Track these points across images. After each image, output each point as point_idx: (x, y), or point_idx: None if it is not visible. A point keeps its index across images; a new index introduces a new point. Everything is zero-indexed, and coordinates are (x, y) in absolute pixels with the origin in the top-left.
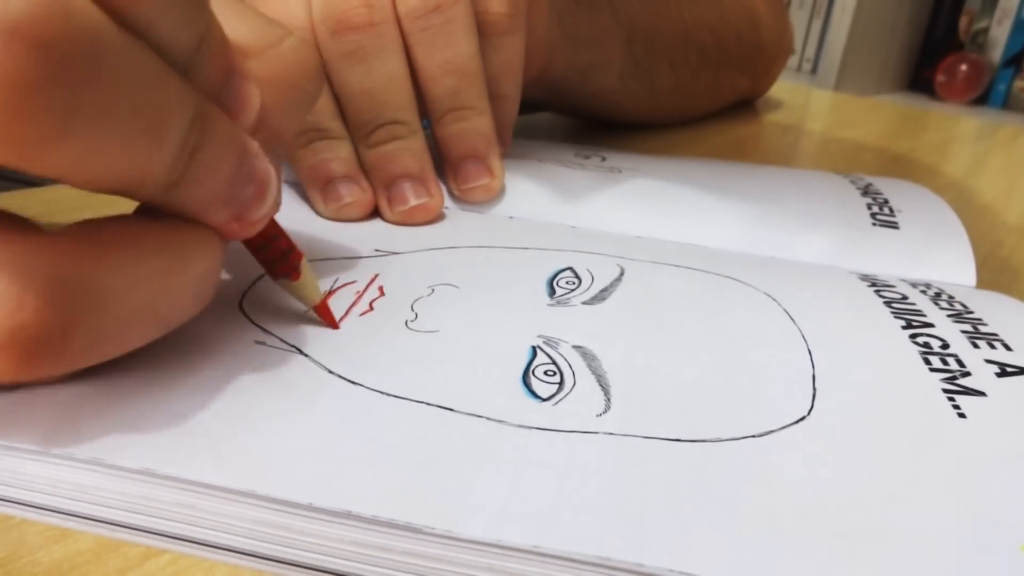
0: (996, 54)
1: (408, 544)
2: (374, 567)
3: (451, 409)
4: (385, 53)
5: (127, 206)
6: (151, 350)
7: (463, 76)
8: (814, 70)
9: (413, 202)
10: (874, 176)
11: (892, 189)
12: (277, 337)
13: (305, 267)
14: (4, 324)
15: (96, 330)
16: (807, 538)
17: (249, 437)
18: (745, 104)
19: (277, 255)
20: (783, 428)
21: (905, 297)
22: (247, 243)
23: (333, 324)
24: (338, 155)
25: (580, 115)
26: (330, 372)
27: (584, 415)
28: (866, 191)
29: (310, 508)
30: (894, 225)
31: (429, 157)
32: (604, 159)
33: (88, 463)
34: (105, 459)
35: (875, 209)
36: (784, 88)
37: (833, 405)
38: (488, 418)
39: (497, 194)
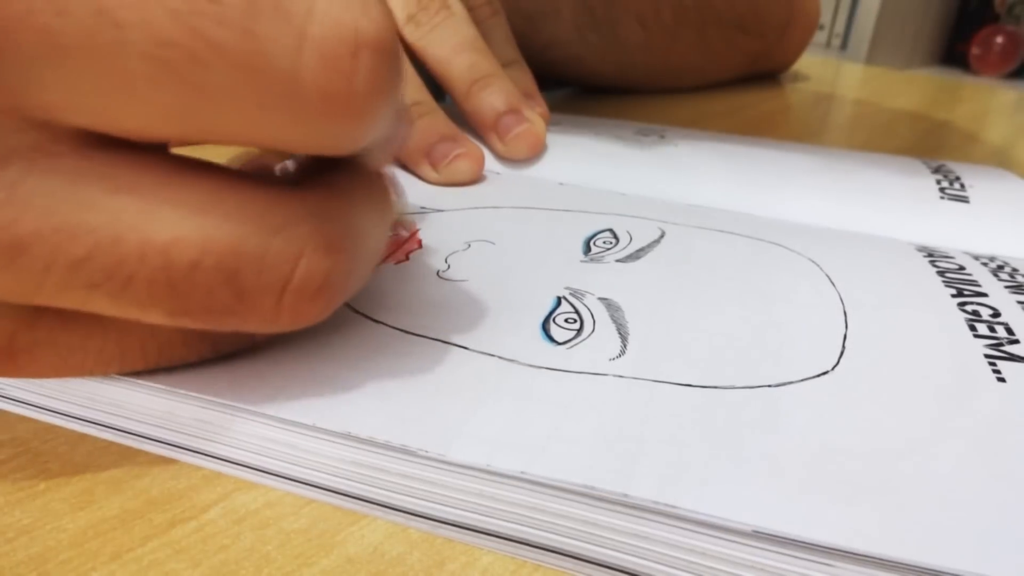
0: None
1: (403, 466)
2: (371, 487)
3: (465, 348)
4: None
5: None
6: None
7: (475, 50)
8: (844, 45)
9: (453, 153)
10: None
11: (967, 169)
12: None
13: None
14: (288, 276)
15: (354, 272)
16: (806, 482)
17: (265, 364)
18: (770, 78)
19: None
20: (802, 380)
21: (962, 268)
22: None
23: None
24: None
25: (547, 72)
26: (355, 311)
27: (596, 358)
28: (937, 169)
29: (314, 428)
30: (963, 199)
31: (455, 126)
32: (663, 136)
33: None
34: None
35: (945, 184)
36: (813, 63)
37: (860, 363)
38: (500, 357)
39: (542, 141)
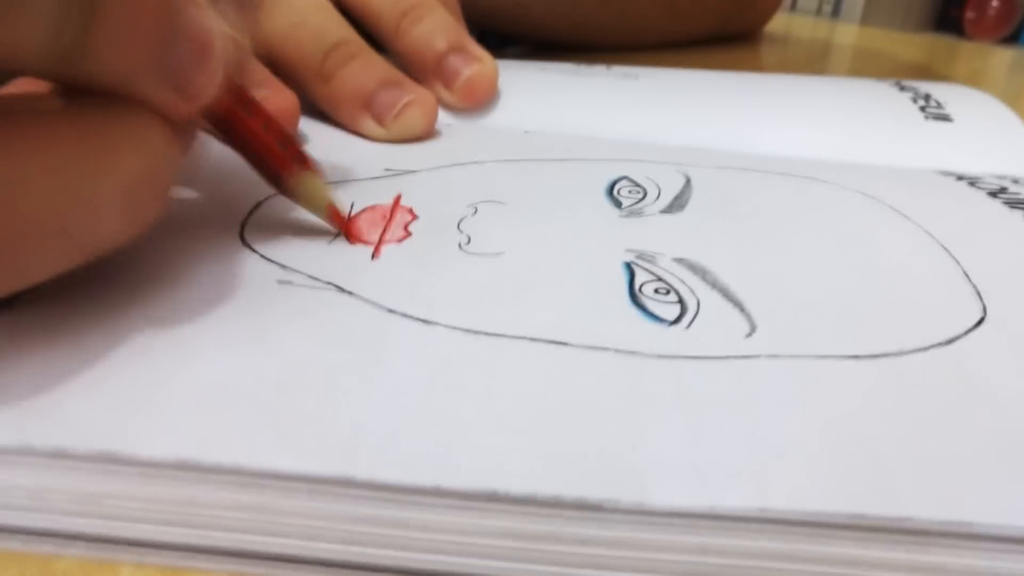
0: None
1: (582, 528)
2: (534, 564)
3: (564, 343)
4: None
5: None
6: (149, 310)
7: None
8: (835, 12)
9: (401, 102)
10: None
11: (926, 86)
12: (304, 274)
13: (312, 162)
14: None
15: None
16: None
17: (326, 409)
18: (766, 37)
19: (271, 149)
20: (967, 333)
21: (1005, 189)
22: (229, 140)
23: (347, 230)
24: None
25: (485, 26)
26: (391, 311)
27: (729, 337)
28: (902, 88)
29: (436, 492)
30: (947, 118)
31: (395, 67)
32: (609, 68)
33: (108, 460)
34: (128, 452)
35: (921, 103)
36: (806, 24)
37: (1007, 301)
38: (616, 350)
39: (496, 83)
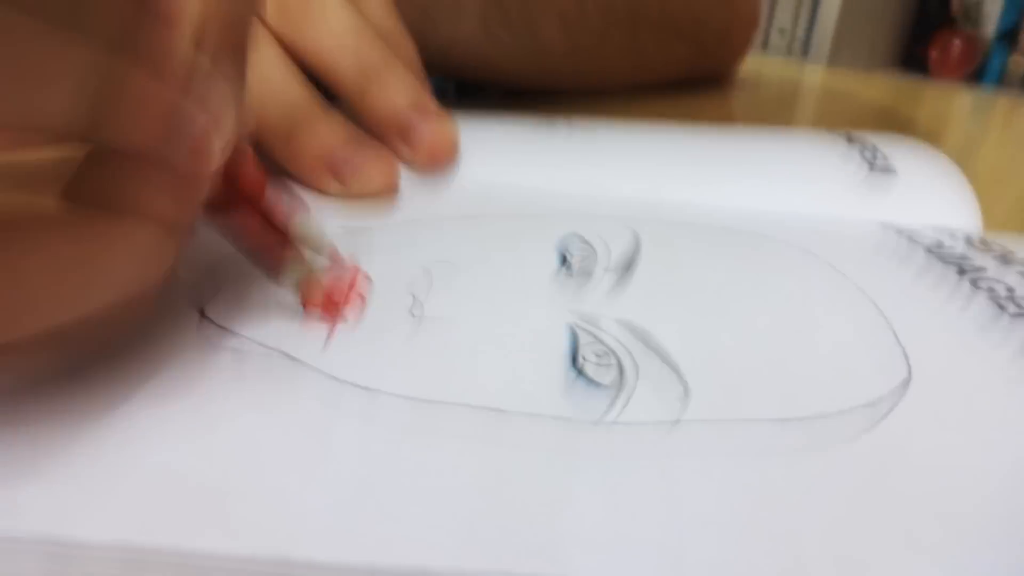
0: (990, 29)
1: None
2: None
3: (500, 411)
4: (260, 48)
5: None
6: (101, 388)
7: (358, 36)
8: (804, 51)
9: (362, 161)
10: (851, 130)
11: (875, 138)
12: (255, 341)
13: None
14: None
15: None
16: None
17: (269, 487)
18: (737, 80)
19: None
20: (891, 394)
21: (941, 244)
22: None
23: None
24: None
25: (451, 75)
26: (337, 380)
27: (664, 402)
28: (851, 140)
29: (371, 572)
30: (891, 170)
31: (356, 126)
32: (569, 123)
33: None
34: (71, 537)
35: (868, 155)
36: (775, 64)
37: (932, 362)
38: (552, 417)
39: (456, 144)
